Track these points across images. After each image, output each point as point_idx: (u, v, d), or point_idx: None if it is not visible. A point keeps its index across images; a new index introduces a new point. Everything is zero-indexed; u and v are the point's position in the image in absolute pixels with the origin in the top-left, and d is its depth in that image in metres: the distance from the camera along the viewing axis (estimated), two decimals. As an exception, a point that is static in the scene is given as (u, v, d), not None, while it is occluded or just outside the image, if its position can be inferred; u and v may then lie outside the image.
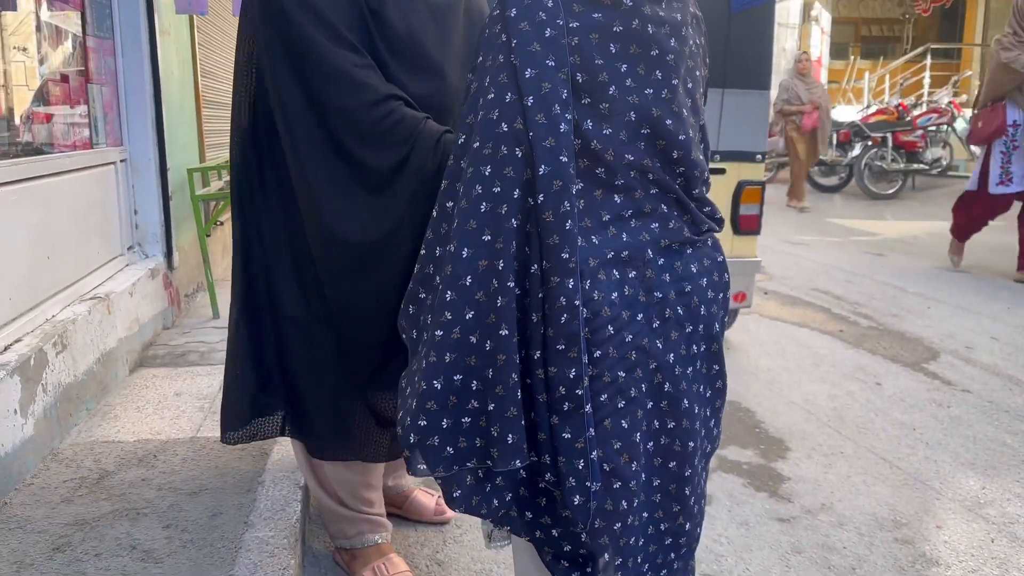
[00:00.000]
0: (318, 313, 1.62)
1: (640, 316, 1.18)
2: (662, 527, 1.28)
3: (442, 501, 2.24)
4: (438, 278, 1.16)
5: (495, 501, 1.22)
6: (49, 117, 2.89)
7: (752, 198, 3.42)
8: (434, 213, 1.19)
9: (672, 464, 1.24)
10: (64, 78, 2.98)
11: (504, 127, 1.09)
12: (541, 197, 1.08)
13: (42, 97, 2.84)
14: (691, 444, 1.24)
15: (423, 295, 1.21)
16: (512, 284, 1.10)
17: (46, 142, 2.80)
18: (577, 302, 1.08)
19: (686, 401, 1.23)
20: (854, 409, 3.16)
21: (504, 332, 1.10)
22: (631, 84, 1.13)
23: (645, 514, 1.25)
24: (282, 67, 1.50)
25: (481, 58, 1.14)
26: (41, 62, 2.86)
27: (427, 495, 2.23)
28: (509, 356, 1.11)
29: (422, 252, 1.21)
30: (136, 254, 3.42)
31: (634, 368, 1.17)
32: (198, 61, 4.31)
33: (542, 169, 1.08)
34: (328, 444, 1.75)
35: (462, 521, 2.23)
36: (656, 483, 1.25)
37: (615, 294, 1.15)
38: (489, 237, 1.10)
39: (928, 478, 2.58)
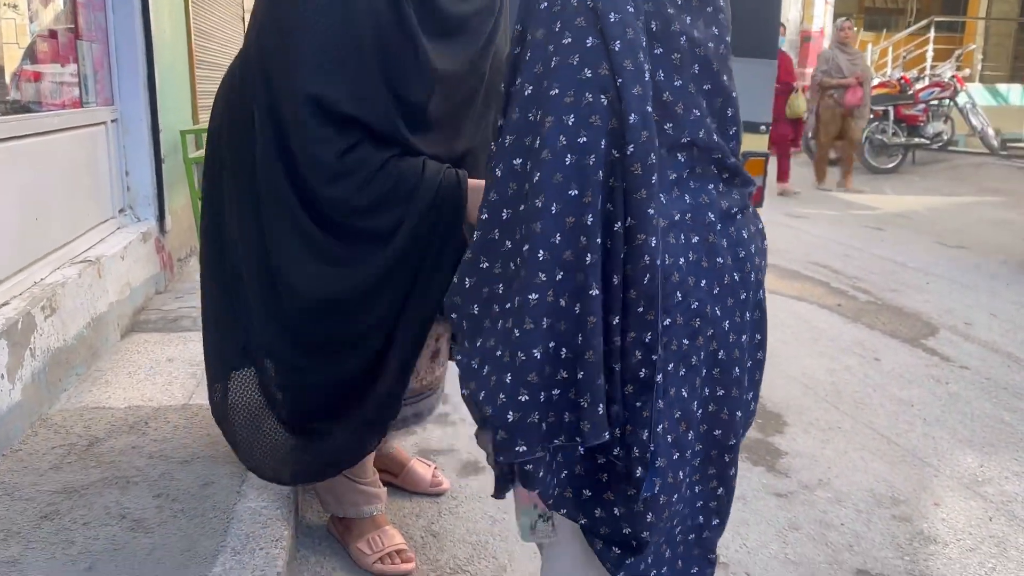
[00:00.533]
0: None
1: (703, 282, 1.14)
2: (698, 492, 1.27)
3: (438, 472, 2.22)
4: (509, 242, 1.08)
5: (555, 480, 1.16)
6: (38, 75, 2.82)
7: (755, 170, 3.37)
8: (497, 172, 1.09)
9: (717, 432, 1.22)
10: (53, 34, 2.89)
11: (587, 72, 1.02)
12: (631, 148, 1.02)
13: (32, 55, 2.76)
14: (738, 413, 1.22)
15: (485, 264, 1.12)
16: (600, 241, 1.03)
17: (34, 100, 2.73)
18: (659, 262, 1.04)
19: (736, 370, 1.20)
20: (852, 384, 3.14)
21: (594, 292, 1.03)
22: (697, 36, 1.09)
23: (687, 481, 1.23)
24: (266, 141, 1.49)
25: (526, 20, 1.07)
26: (31, 19, 2.78)
27: (424, 465, 2.21)
28: (599, 319, 1.04)
29: (483, 216, 1.11)
30: (128, 217, 3.36)
31: (696, 336, 1.14)
32: (191, 20, 4.21)
33: (632, 118, 1.02)
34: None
35: (458, 492, 2.21)
36: (699, 449, 1.22)
37: (682, 259, 1.11)
38: (576, 191, 1.02)
39: (926, 455, 2.57)
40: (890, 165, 9.85)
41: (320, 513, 2.01)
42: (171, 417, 2.20)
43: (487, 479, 2.29)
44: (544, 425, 1.06)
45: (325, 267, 1.49)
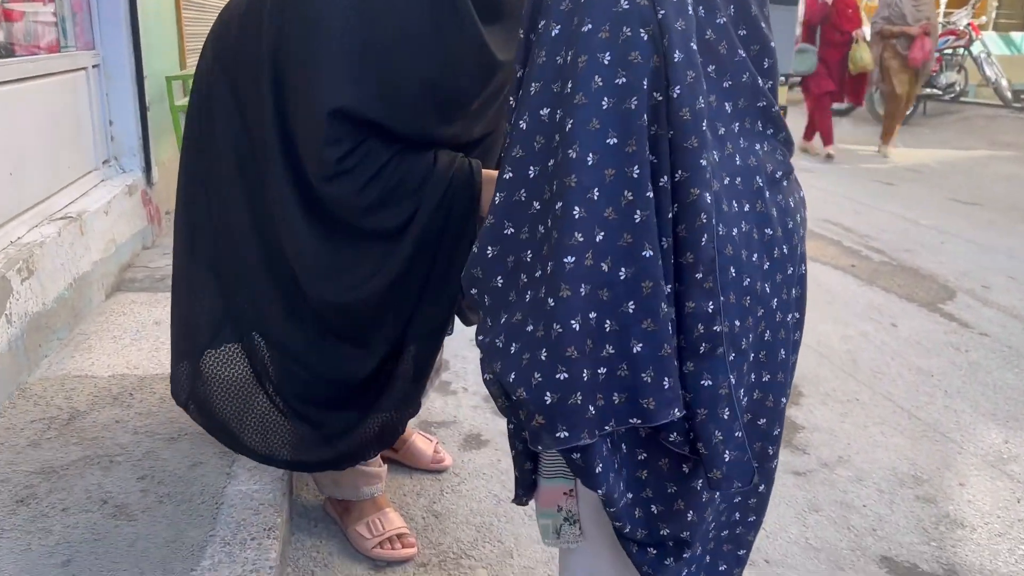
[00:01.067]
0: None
1: (755, 256, 1.01)
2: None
3: (440, 447, 2.11)
4: (537, 203, 0.94)
5: (620, 479, 1.04)
6: (11, 15, 2.62)
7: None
8: (522, 124, 0.94)
9: (762, 421, 1.10)
10: (26, -29, 2.69)
11: (624, 4, 0.88)
12: (677, 90, 0.88)
13: (2, -7, 2.56)
14: (783, 400, 1.10)
15: (510, 229, 0.97)
16: (651, 195, 0.89)
17: (6, 43, 2.54)
18: (715, 221, 0.91)
19: (783, 352, 1.08)
20: (869, 352, 3.03)
21: (648, 254, 0.89)
22: None
23: None
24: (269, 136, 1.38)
25: None
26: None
27: (425, 440, 2.09)
28: (656, 283, 0.90)
29: (506, 176, 0.96)
30: (112, 169, 3.19)
31: (747, 316, 1.01)
32: (177, -43, 3.97)
33: (676, 55, 0.88)
34: None
35: (460, 468, 2.10)
36: None
37: (735, 229, 0.97)
38: (616, 140, 0.88)
39: (948, 429, 2.46)
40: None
41: (316, 491, 1.90)
42: (157, 388, 2.07)
43: (491, 453, 2.18)
44: (592, 409, 0.92)
45: (333, 274, 1.38)
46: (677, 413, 0.94)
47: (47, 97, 2.61)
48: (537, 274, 0.94)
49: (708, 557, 1.23)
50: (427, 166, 1.36)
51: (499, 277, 0.98)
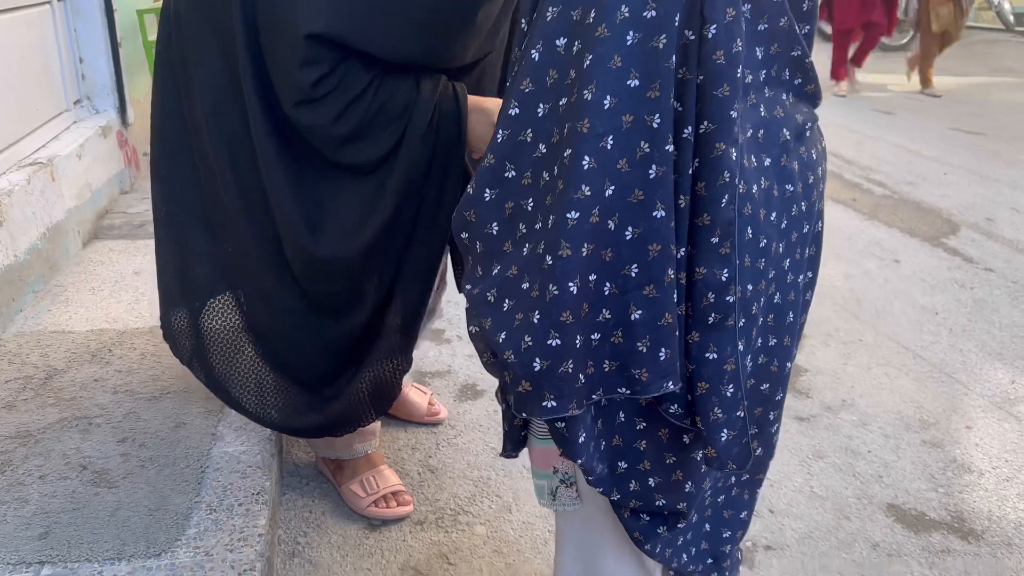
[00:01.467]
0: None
1: (773, 215, 0.92)
2: None
3: (435, 400, 2.05)
4: (543, 146, 0.84)
5: (597, 450, 0.98)
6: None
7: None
8: (534, 54, 0.83)
9: (765, 387, 1.03)
10: None
11: None
12: (713, 29, 0.78)
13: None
14: (788, 365, 1.03)
15: (511, 172, 0.87)
16: (671, 149, 0.80)
17: (-40, -24, 2.37)
18: (738, 181, 0.82)
19: (791, 315, 1.01)
20: (872, 290, 2.95)
21: (659, 214, 0.81)
22: None
23: None
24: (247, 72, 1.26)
25: None
26: None
27: (419, 393, 2.02)
28: (665, 246, 0.82)
29: (512, 112, 0.86)
30: (84, 109, 3.05)
31: (760, 280, 0.93)
32: None
33: None
34: None
35: (456, 420, 2.04)
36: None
37: (755, 186, 0.88)
38: (638, 82, 0.78)
39: (954, 370, 2.41)
40: (902, 41, 9.34)
41: (308, 449, 1.84)
42: (138, 343, 1.99)
43: (487, 404, 2.12)
44: (581, 377, 0.86)
45: (319, 227, 1.28)
46: (671, 386, 0.87)
47: (9, 35, 2.45)
48: (537, 226, 0.85)
49: (708, 525, 1.17)
50: (410, 91, 1.24)
51: (495, 224, 0.89)
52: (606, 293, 0.84)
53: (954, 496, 1.86)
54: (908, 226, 3.64)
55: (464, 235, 0.92)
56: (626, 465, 1.00)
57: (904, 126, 5.71)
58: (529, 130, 0.85)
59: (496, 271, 0.89)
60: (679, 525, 1.06)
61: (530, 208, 0.86)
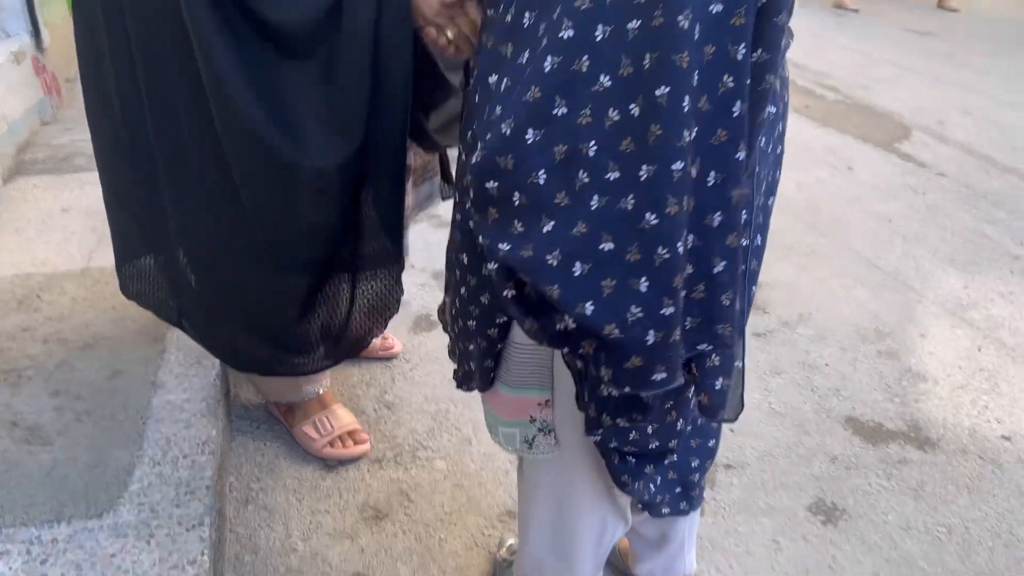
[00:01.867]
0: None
1: (769, 146, 0.88)
2: None
3: (388, 334, 1.97)
4: (606, 79, 0.73)
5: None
6: None
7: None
8: None
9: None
10: None
11: None
12: None
13: None
14: (753, 289, 1.00)
15: (562, 109, 0.73)
16: (749, 83, 0.76)
17: None
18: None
19: (759, 238, 0.98)
20: (827, 199, 2.93)
21: (740, 156, 0.78)
22: None
23: None
24: None
25: None
26: None
27: (369, 327, 1.95)
28: (747, 189, 0.80)
29: (565, 35, 0.72)
30: (-8, 33, 2.81)
31: (756, 214, 0.89)
32: None
33: None
34: None
35: (411, 354, 1.98)
36: None
37: (763, 140, 0.85)
38: (721, 7, 0.72)
39: (908, 277, 2.41)
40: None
41: (258, 391, 1.77)
42: (68, 287, 1.87)
43: (442, 335, 2.03)
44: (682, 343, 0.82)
45: (288, 131, 1.12)
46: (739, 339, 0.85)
47: None
48: (610, 177, 0.74)
49: (676, 455, 1.15)
50: None
51: (541, 171, 0.75)
52: (690, 246, 0.79)
53: (910, 406, 1.87)
54: (861, 132, 3.61)
55: (492, 184, 0.76)
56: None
57: (858, 27, 5.64)
58: (585, 57, 0.71)
59: (550, 228, 0.76)
60: (664, 461, 1.04)
61: (593, 153, 0.74)
